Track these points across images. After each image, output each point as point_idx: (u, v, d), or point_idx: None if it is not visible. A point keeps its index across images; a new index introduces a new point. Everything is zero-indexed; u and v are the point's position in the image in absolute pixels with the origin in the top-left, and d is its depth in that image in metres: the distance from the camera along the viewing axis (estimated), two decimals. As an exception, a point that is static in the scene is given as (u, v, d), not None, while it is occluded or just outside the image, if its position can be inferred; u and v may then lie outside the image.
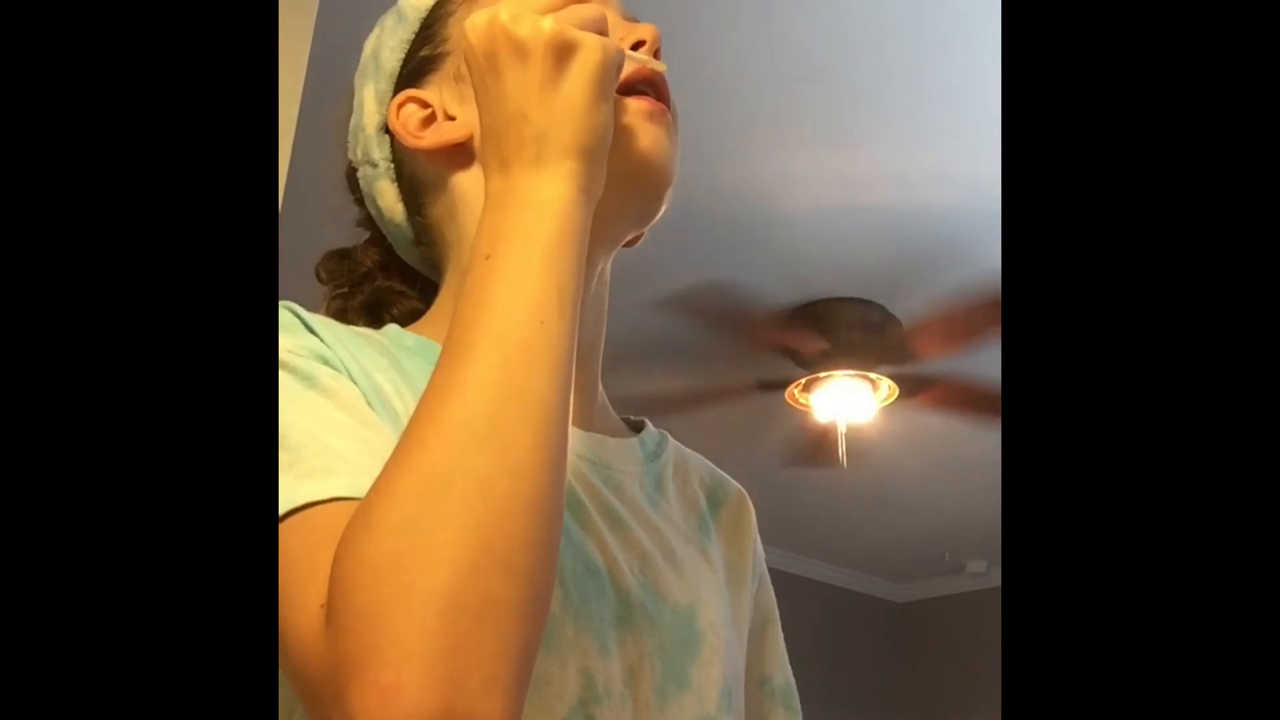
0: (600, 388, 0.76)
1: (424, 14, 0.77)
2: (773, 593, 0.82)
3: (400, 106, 0.75)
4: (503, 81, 0.59)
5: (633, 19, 0.75)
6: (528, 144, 0.58)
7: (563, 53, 0.58)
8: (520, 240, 0.56)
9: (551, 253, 0.56)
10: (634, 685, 0.63)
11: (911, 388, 3.49)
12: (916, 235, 3.01)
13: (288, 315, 0.65)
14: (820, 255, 3.10)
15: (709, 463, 0.82)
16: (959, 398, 3.51)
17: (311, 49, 1.71)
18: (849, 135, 2.67)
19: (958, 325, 3.21)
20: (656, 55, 0.71)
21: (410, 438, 0.51)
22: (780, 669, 0.80)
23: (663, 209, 0.72)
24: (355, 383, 0.62)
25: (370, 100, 0.78)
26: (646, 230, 0.75)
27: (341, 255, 0.81)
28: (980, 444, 3.90)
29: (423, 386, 0.65)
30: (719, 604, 0.72)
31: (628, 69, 0.69)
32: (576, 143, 0.58)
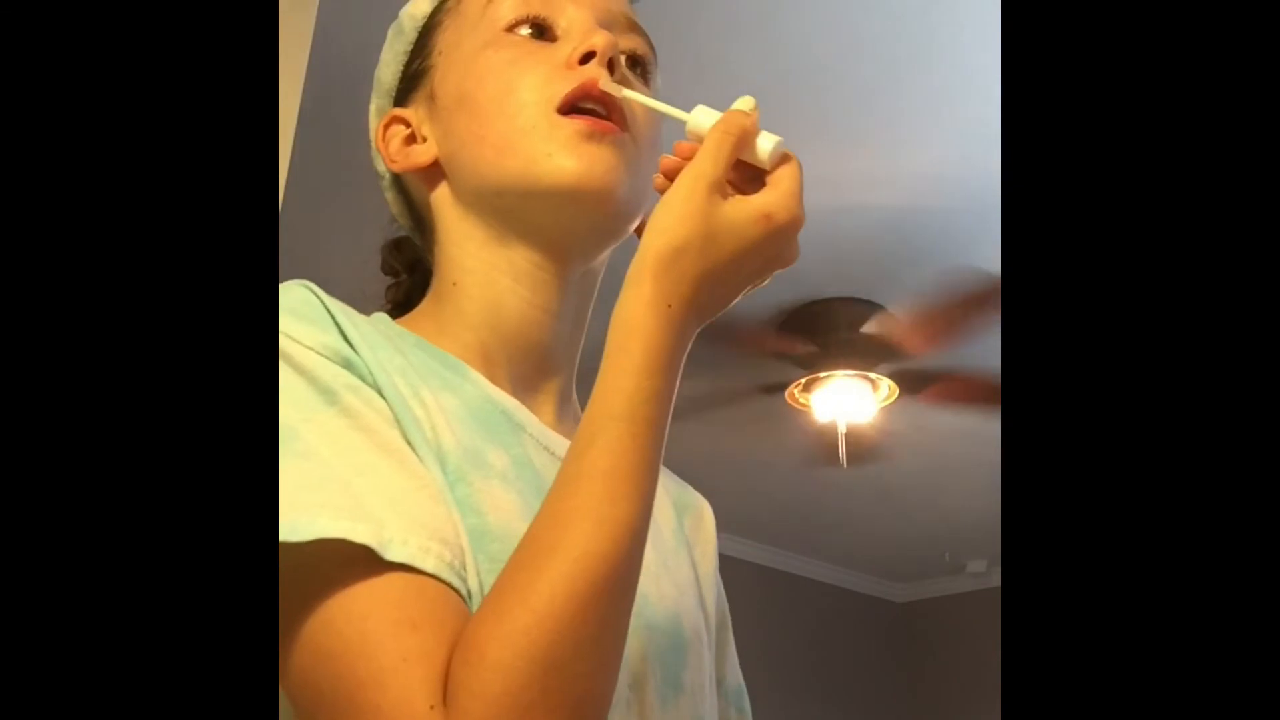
0: (574, 394, 0.76)
1: (420, 25, 0.76)
2: (725, 597, 0.82)
3: (386, 127, 0.75)
4: (760, 263, 0.61)
5: (630, 19, 0.75)
6: (710, 310, 0.60)
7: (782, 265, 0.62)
8: (657, 421, 0.57)
9: (660, 445, 0.57)
10: (639, 690, 0.63)
11: (911, 387, 3.49)
12: (917, 235, 3.01)
13: (308, 298, 0.62)
14: (820, 255, 3.10)
15: (670, 472, 0.83)
16: (959, 393, 3.50)
17: (311, 49, 1.71)
18: (849, 135, 2.66)
19: (956, 325, 3.20)
20: (612, 66, 0.69)
21: (556, 586, 0.51)
22: (732, 671, 0.81)
23: (622, 225, 0.71)
24: (382, 394, 0.60)
25: (373, 115, 0.78)
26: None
27: (396, 245, 0.82)
28: (980, 444, 3.90)
29: (431, 382, 0.65)
30: (698, 608, 0.73)
31: (571, 84, 0.68)
32: (707, 318, 0.61)
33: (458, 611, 0.53)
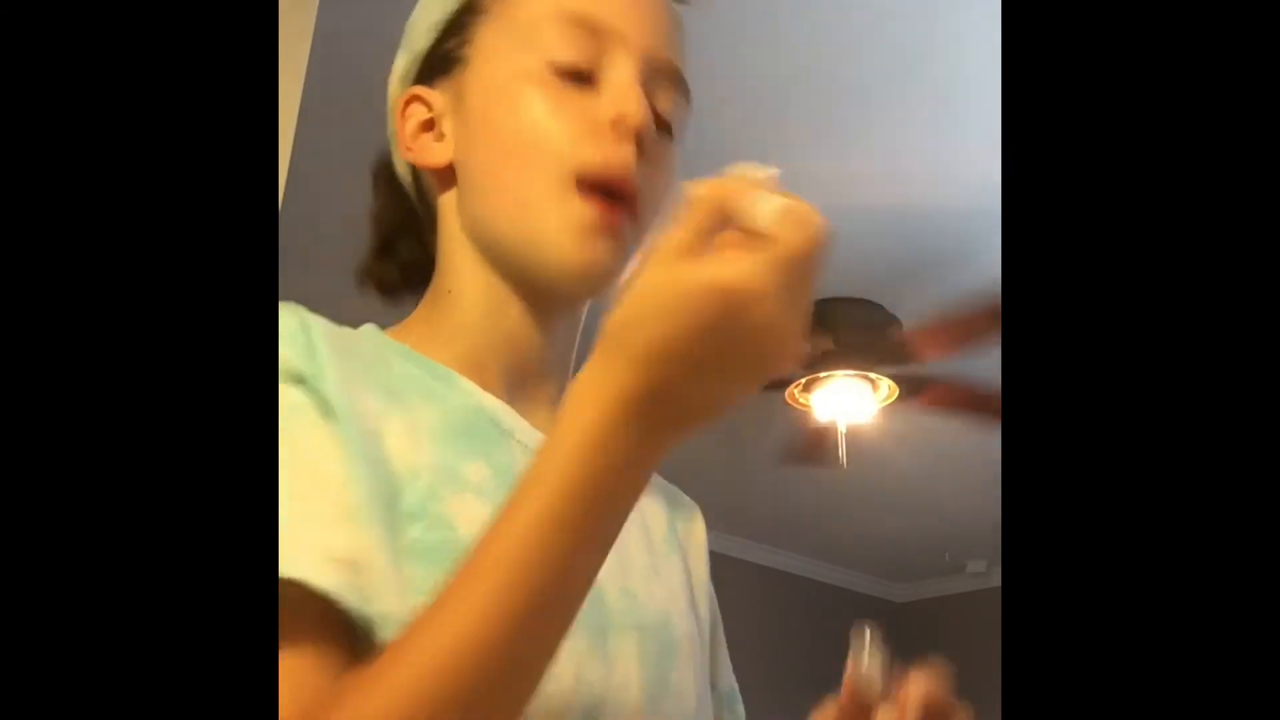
0: None
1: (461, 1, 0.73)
2: (716, 599, 0.83)
3: (406, 104, 0.73)
4: (721, 346, 0.49)
5: (675, 69, 0.70)
6: (669, 406, 0.50)
7: (775, 369, 0.50)
8: (588, 510, 0.50)
9: (594, 541, 0.51)
10: (628, 691, 0.64)
11: (911, 387, 3.48)
12: (916, 235, 3.01)
13: (292, 325, 0.63)
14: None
15: (660, 478, 0.82)
16: (954, 399, 3.50)
17: (311, 49, 1.71)
18: (849, 135, 2.67)
19: (958, 328, 3.20)
20: (640, 139, 0.66)
21: (423, 664, 0.49)
22: (724, 675, 0.80)
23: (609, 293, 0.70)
24: (339, 418, 0.60)
25: (398, 73, 0.75)
26: None
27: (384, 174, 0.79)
28: (980, 444, 3.90)
29: (412, 395, 0.66)
30: (690, 611, 0.73)
31: (597, 156, 0.66)
32: (693, 424, 0.51)
33: (336, 629, 0.54)
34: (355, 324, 0.71)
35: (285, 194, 1.63)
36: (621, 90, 0.67)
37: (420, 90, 0.73)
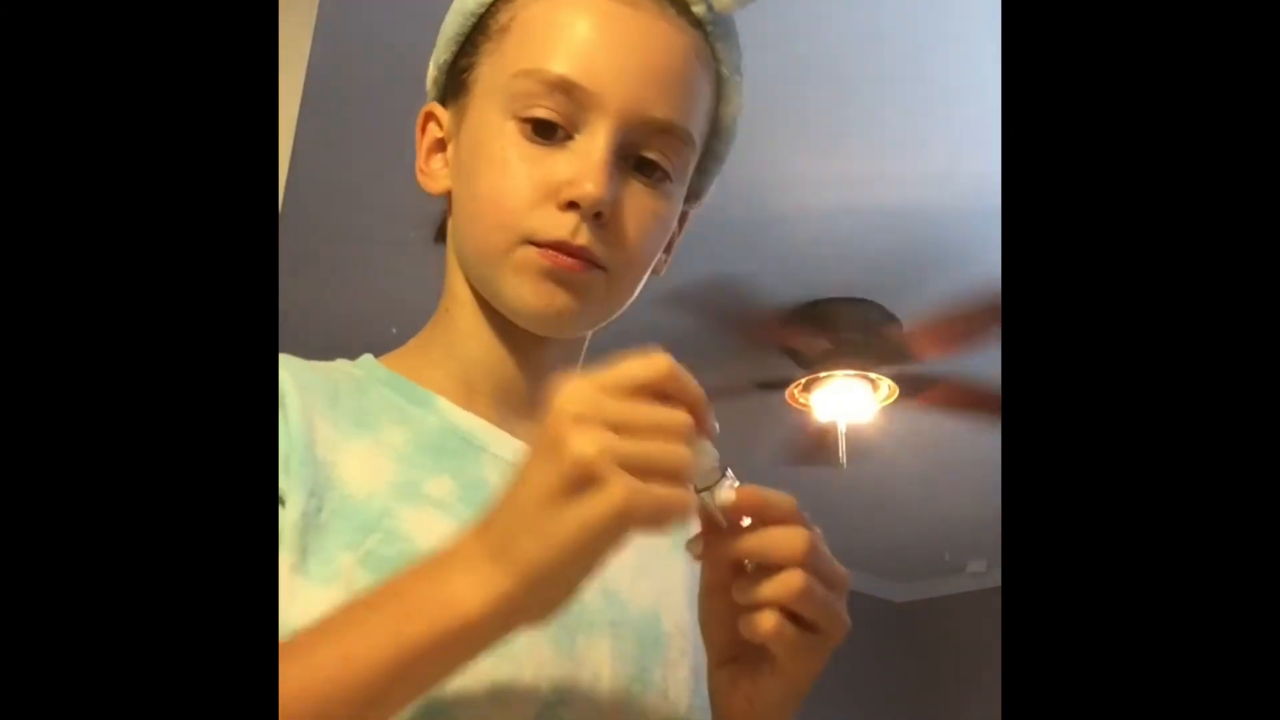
0: None
1: (473, 20, 0.72)
2: None
3: (426, 120, 0.75)
4: (529, 463, 0.52)
5: (664, 124, 0.69)
6: (496, 532, 0.52)
7: (583, 483, 0.50)
8: (398, 623, 0.52)
9: (411, 657, 0.51)
10: (599, 686, 0.65)
11: (911, 388, 3.49)
12: (917, 235, 3.01)
13: None
14: (821, 255, 3.10)
15: None
16: (959, 398, 3.51)
17: (311, 49, 1.71)
18: (849, 135, 2.67)
19: (958, 325, 3.20)
20: (599, 216, 0.66)
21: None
22: None
23: (588, 330, 0.73)
24: (290, 443, 0.63)
25: (430, 78, 0.76)
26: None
27: None
28: (980, 444, 3.90)
29: (384, 420, 0.69)
30: (687, 607, 0.73)
31: (543, 230, 0.66)
32: (530, 572, 0.51)
33: None
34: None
35: (285, 194, 1.64)
36: (583, 167, 0.66)
37: (435, 109, 0.75)
